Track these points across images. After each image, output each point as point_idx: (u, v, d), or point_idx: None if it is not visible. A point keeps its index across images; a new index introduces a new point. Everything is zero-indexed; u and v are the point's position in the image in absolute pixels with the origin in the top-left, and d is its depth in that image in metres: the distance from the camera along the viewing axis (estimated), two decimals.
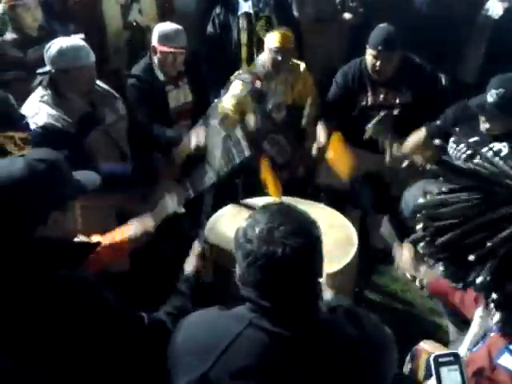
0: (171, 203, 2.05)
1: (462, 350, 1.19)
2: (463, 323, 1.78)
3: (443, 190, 1.04)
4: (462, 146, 2.56)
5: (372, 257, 3.03)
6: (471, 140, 2.52)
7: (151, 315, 1.45)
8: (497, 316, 1.04)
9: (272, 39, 2.94)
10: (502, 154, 2.29)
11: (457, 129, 2.60)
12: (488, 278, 0.94)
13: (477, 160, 1.07)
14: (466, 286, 1.03)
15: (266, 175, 2.64)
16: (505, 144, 2.38)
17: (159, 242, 2.74)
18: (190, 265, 1.75)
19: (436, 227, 1.00)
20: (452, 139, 2.62)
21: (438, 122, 2.74)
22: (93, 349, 1.29)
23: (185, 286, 1.64)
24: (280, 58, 2.93)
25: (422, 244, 1.04)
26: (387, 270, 2.96)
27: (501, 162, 1.07)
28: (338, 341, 1.21)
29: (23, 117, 2.06)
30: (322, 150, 3.04)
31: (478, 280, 0.95)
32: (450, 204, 1.01)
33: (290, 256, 1.14)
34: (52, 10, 3.30)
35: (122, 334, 1.34)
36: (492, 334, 1.05)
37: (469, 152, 2.50)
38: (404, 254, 1.89)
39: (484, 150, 2.41)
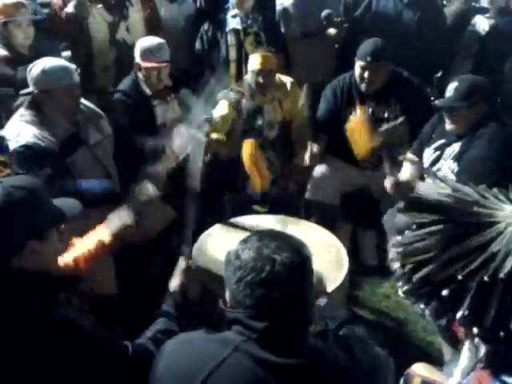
0: (148, 192, 1.95)
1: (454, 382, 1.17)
2: (458, 342, 1.76)
3: (415, 225, 1.03)
4: (429, 149, 2.63)
5: (363, 273, 3.01)
6: (439, 143, 2.59)
7: (135, 343, 1.40)
8: (483, 348, 1.02)
9: (253, 61, 2.97)
10: (454, 154, 2.42)
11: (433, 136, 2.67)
12: (466, 313, 0.93)
13: (444, 191, 1.05)
14: (449, 321, 1.01)
15: (251, 161, 2.60)
16: (459, 143, 2.48)
17: (147, 261, 2.74)
18: (175, 282, 1.68)
19: (412, 263, 1.00)
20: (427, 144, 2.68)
21: (418, 140, 2.79)
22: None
23: (170, 307, 1.58)
24: (262, 80, 2.96)
25: (401, 282, 1.03)
26: (378, 287, 2.94)
27: (466, 189, 1.06)
28: (327, 368, 1.18)
29: (2, 139, 2.03)
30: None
31: (458, 315, 0.94)
32: (423, 239, 1.00)
33: (279, 271, 1.16)
34: (41, 27, 3.28)
35: (104, 367, 1.29)
36: (481, 365, 1.04)
37: (434, 155, 2.58)
38: None
39: (446, 150, 2.52)
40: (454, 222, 0.98)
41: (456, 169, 2.46)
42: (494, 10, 3.53)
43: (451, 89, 2.47)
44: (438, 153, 2.59)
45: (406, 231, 1.04)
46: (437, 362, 2.02)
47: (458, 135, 2.51)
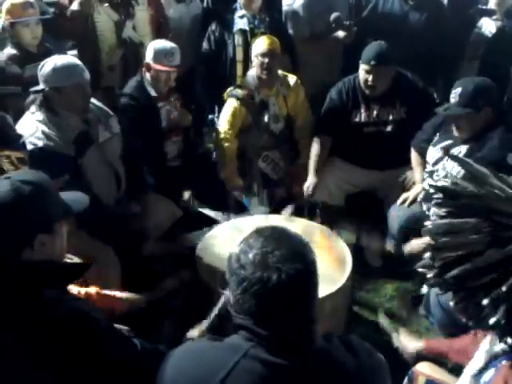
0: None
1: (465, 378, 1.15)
2: None
3: (446, 213, 0.99)
4: (434, 149, 2.61)
5: (367, 274, 3.01)
6: (445, 143, 2.57)
7: (144, 342, 1.40)
8: (503, 344, 1.00)
9: (259, 44, 3.02)
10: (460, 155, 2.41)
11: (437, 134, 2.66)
12: (503, 321, 0.90)
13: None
14: (478, 324, 1.00)
15: None
16: (466, 146, 2.45)
17: (153, 262, 2.75)
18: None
19: (444, 259, 0.96)
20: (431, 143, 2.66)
21: (422, 137, 2.78)
22: (81, 375, 1.25)
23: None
24: (267, 61, 2.97)
25: (430, 274, 1.00)
26: (382, 288, 2.94)
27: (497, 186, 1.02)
28: (334, 370, 1.19)
29: (20, 136, 2.04)
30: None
31: (491, 321, 0.91)
32: (457, 230, 0.95)
33: (285, 282, 1.12)
34: (49, 26, 3.30)
35: (112, 360, 1.30)
36: (503, 363, 1.01)
37: (439, 155, 2.56)
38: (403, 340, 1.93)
39: (452, 151, 2.49)
40: (492, 219, 0.94)
41: (462, 171, 2.43)
42: (502, 12, 3.52)
43: (455, 95, 2.42)
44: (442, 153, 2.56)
45: (435, 218, 0.99)
46: (440, 362, 2.01)
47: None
